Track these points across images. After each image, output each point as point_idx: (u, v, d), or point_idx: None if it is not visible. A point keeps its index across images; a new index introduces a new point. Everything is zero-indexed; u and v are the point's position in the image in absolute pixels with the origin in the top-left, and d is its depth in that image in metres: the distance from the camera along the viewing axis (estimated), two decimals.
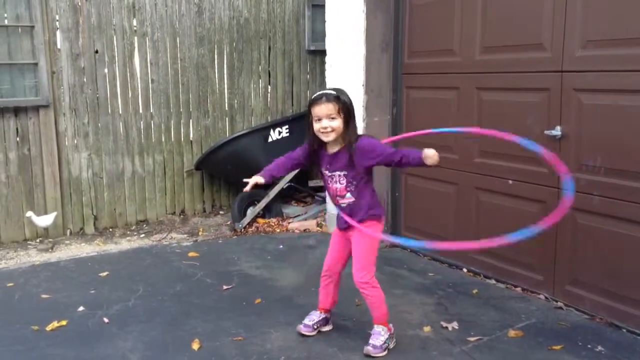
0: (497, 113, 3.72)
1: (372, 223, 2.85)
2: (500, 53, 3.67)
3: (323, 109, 2.70)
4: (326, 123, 2.70)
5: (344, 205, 2.85)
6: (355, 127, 2.79)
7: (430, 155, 2.61)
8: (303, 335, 3.04)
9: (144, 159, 5.43)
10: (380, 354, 2.84)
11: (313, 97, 2.77)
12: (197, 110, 5.64)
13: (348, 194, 2.82)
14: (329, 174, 2.84)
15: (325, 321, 3.13)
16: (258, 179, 2.85)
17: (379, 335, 2.88)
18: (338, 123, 2.71)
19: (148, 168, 5.46)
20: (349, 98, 2.79)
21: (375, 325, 2.91)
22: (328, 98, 2.71)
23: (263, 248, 4.62)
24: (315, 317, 3.10)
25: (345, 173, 2.79)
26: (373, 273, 2.86)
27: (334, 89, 2.79)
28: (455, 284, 3.78)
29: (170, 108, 5.50)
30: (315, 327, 3.08)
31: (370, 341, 2.87)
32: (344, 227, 2.92)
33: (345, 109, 2.72)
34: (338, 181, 2.82)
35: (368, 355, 2.83)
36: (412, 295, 3.61)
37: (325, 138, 2.75)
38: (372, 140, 2.80)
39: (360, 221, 2.80)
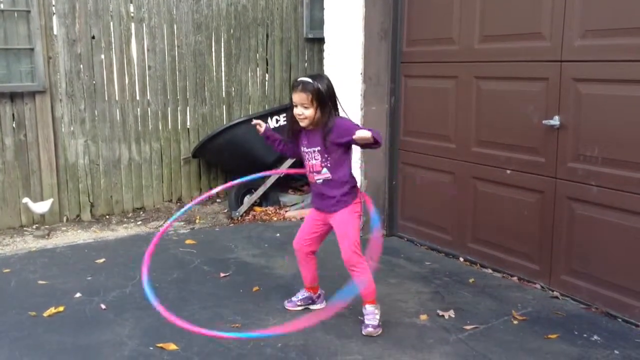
0: (496, 102, 3.71)
1: (349, 205, 2.91)
2: (499, 42, 3.66)
3: (297, 98, 2.80)
4: (300, 110, 2.81)
5: (320, 181, 2.91)
6: (330, 111, 2.82)
7: (360, 136, 2.71)
8: (288, 310, 3.17)
9: (141, 146, 5.41)
10: (379, 332, 2.93)
11: (293, 82, 2.86)
12: (194, 97, 5.61)
13: (324, 170, 2.88)
14: (306, 150, 2.93)
15: (309, 299, 3.21)
16: (262, 125, 3.08)
17: (374, 315, 2.95)
18: (310, 112, 2.80)
19: (145, 155, 5.44)
20: (327, 84, 2.83)
21: (368, 305, 2.97)
22: (303, 87, 2.78)
23: (260, 236, 4.62)
24: (300, 295, 3.22)
25: (320, 149, 2.86)
26: (361, 252, 2.91)
27: (312, 76, 2.84)
28: (452, 273, 3.79)
29: (167, 95, 5.47)
30: (298, 303, 3.20)
31: (368, 322, 2.93)
32: (321, 208, 2.99)
33: (318, 98, 2.77)
34: (313, 157, 2.89)
35: (369, 336, 2.90)
36: (409, 284, 3.62)
37: (301, 123, 2.86)
38: (346, 121, 2.87)
39: (336, 203, 2.89)
